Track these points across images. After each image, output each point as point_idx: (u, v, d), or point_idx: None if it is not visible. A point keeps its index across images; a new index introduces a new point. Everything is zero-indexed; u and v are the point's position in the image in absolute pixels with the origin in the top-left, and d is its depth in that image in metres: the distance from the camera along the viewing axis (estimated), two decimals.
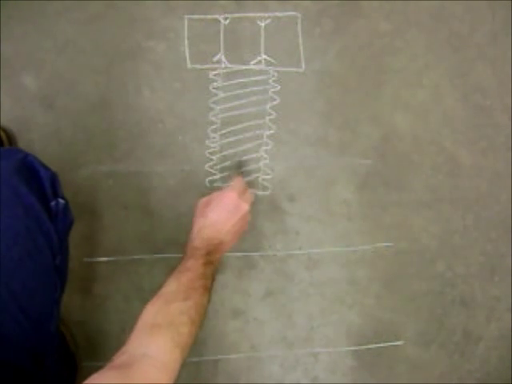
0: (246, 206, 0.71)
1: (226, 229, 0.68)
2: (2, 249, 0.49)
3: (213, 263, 0.64)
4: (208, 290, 0.60)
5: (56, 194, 0.57)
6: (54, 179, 0.57)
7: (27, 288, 0.51)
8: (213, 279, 0.63)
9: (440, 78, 0.92)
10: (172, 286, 0.57)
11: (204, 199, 0.72)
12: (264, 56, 0.89)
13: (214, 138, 0.88)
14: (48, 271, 0.54)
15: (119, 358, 0.48)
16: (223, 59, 0.89)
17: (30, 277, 0.51)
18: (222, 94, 0.88)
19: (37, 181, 0.55)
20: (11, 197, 0.51)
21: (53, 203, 0.56)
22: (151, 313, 0.54)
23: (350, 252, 0.88)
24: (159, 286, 0.58)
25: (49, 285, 0.54)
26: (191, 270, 0.60)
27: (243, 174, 0.85)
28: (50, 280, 0.55)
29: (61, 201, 0.57)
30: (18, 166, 0.53)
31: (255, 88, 0.89)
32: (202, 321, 0.57)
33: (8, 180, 0.51)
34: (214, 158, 0.87)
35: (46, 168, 0.56)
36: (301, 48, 0.90)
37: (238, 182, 0.75)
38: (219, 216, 0.69)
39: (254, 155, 0.88)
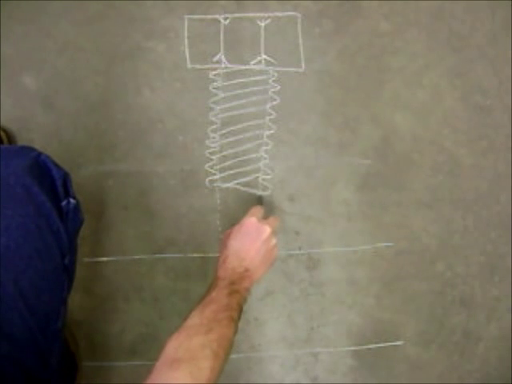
0: (267, 229, 0.70)
1: (250, 255, 0.67)
2: (12, 247, 0.49)
3: (239, 292, 0.62)
4: (234, 320, 0.59)
5: (67, 193, 0.57)
6: (66, 179, 0.57)
7: (35, 287, 0.51)
8: (240, 309, 0.62)
9: (440, 78, 0.92)
10: (195, 319, 0.57)
11: (226, 231, 0.72)
12: (264, 56, 0.89)
13: (213, 137, 0.88)
14: (56, 271, 0.54)
15: None
16: (223, 59, 0.89)
17: (39, 276, 0.51)
18: (221, 94, 0.88)
19: (49, 180, 0.55)
20: (23, 195, 0.51)
21: (64, 203, 0.56)
22: (173, 347, 0.53)
23: (350, 252, 0.88)
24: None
25: (57, 284, 0.54)
26: (214, 301, 0.59)
27: (263, 204, 0.84)
28: (58, 279, 0.55)
29: (72, 200, 0.57)
30: (31, 165, 0.53)
31: (255, 88, 0.88)
32: (228, 353, 0.56)
33: (21, 178, 0.51)
34: (213, 157, 0.87)
35: (59, 167, 0.57)
36: (301, 48, 0.90)
37: (255, 210, 0.74)
38: (241, 243, 0.68)
39: (253, 155, 0.88)
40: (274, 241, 0.71)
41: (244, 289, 0.64)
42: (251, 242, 0.68)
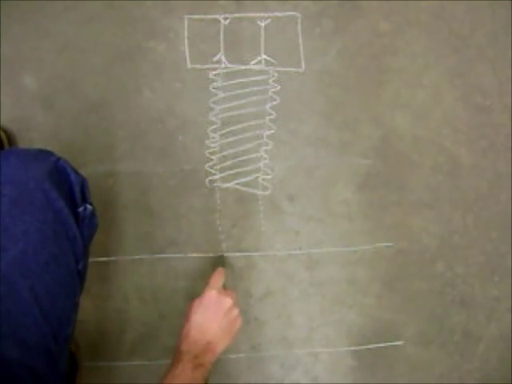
0: (228, 301, 0.70)
1: (212, 328, 0.68)
2: (30, 252, 0.49)
3: (203, 365, 0.63)
4: None
5: (85, 199, 0.57)
6: (83, 184, 0.57)
7: (50, 292, 0.50)
8: (205, 382, 0.63)
9: (440, 78, 0.92)
10: None
11: (188, 304, 0.72)
12: (264, 56, 0.89)
13: (213, 138, 0.88)
14: (71, 276, 0.54)
15: None
16: (223, 59, 0.89)
17: (54, 281, 0.51)
18: (221, 94, 0.88)
19: (67, 185, 0.55)
20: (42, 201, 0.51)
21: (81, 209, 0.56)
22: None
23: (350, 252, 0.88)
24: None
25: (70, 290, 0.54)
26: (180, 376, 0.60)
27: (225, 265, 0.84)
28: (71, 285, 0.54)
29: (88, 206, 0.57)
30: (50, 170, 0.53)
31: (255, 88, 0.88)
32: None
33: (40, 183, 0.51)
34: (213, 157, 0.87)
35: (77, 173, 0.57)
36: (301, 48, 0.90)
37: (215, 280, 0.74)
38: (202, 317, 0.68)
39: (254, 155, 0.88)
40: (235, 311, 0.71)
41: (208, 362, 0.65)
42: (213, 315, 0.69)
